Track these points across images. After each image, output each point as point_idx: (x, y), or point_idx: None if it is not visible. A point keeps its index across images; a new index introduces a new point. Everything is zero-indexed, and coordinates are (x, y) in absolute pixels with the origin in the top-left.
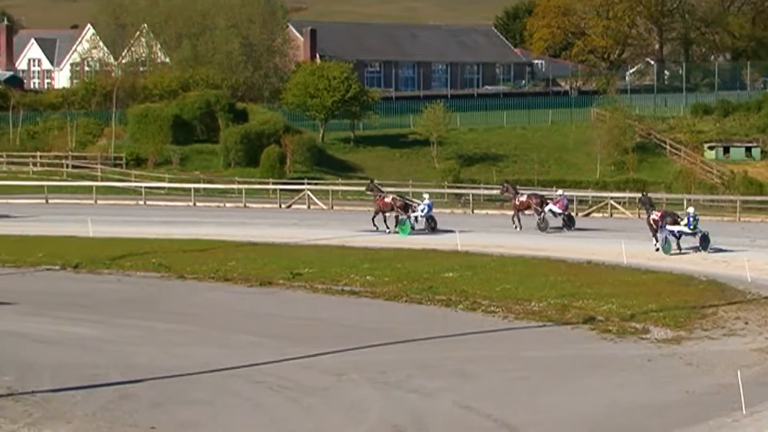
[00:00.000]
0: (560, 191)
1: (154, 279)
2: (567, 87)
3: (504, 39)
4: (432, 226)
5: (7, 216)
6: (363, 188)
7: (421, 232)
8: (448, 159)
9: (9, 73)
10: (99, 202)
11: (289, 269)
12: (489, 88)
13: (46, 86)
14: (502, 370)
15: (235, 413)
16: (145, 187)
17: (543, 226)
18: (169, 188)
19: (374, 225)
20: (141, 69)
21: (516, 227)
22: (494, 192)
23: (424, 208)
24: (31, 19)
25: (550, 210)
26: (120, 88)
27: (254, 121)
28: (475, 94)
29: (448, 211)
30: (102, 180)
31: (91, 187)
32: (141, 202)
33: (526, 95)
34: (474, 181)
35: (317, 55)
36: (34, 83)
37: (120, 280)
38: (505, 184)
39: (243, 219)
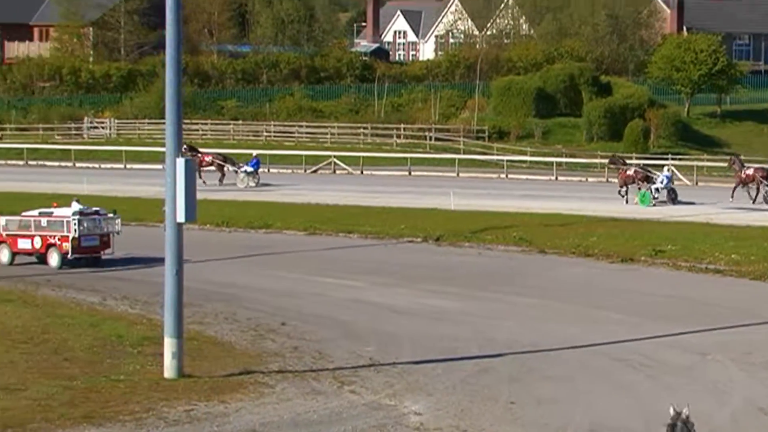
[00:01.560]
0: None
1: (515, 253)
2: None
3: None
4: (673, 198)
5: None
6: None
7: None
8: None
9: (375, 45)
10: (461, 174)
11: (651, 246)
12: None
13: (410, 58)
14: None
15: (595, 391)
16: (507, 161)
17: None
18: (531, 162)
19: (621, 196)
20: (505, 41)
21: (731, 200)
22: None
23: (663, 180)
24: None
25: None
26: (483, 60)
27: (618, 94)
28: None
29: None
30: (464, 153)
31: (453, 159)
32: (503, 176)
33: None
34: None
35: (684, 28)
36: (399, 55)
37: (481, 254)
38: (733, 157)
39: (605, 194)
